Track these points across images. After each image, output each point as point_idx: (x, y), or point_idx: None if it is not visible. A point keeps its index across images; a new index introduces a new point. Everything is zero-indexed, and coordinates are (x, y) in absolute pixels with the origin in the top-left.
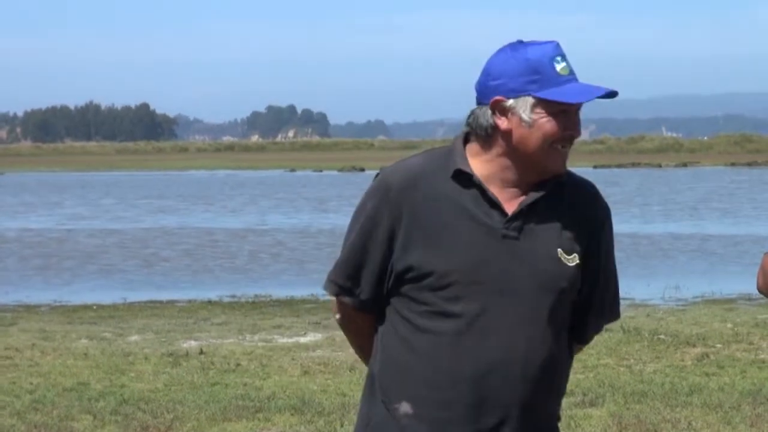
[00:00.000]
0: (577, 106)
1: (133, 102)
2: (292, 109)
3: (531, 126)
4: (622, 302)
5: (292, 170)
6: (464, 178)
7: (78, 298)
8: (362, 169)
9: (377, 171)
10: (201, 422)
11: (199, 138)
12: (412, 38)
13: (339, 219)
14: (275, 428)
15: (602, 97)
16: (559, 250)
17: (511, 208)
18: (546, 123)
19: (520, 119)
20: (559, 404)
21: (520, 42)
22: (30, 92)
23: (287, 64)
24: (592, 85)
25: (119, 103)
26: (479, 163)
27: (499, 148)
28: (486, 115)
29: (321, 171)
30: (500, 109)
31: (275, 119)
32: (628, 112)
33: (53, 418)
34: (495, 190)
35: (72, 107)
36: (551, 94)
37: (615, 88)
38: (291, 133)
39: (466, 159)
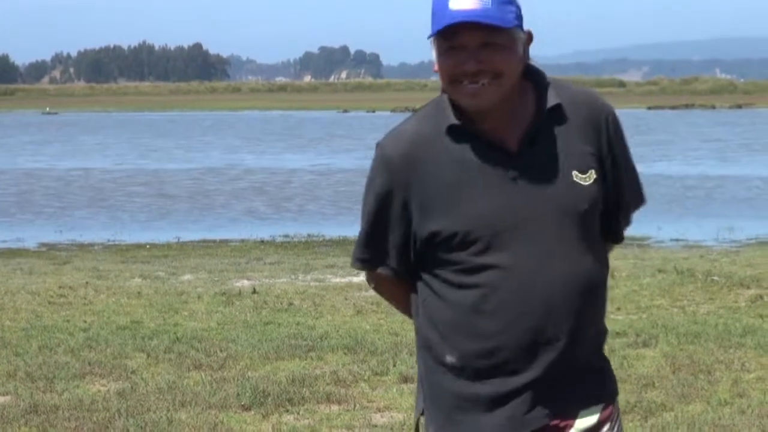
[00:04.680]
0: (463, 39)
1: (186, 42)
2: (344, 49)
3: (437, 67)
4: (676, 243)
5: (345, 111)
6: (458, 132)
7: (131, 238)
8: (415, 110)
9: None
10: (254, 360)
11: (252, 78)
12: None
13: None
14: (327, 367)
15: (471, 23)
16: (574, 172)
17: (513, 145)
18: (441, 62)
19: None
20: (603, 315)
21: None
22: (83, 32)
23: (340, 4)
24: (470, 10)
25: (172, 44)
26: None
27: None
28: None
29: (374, 111)
30: None
31: (328, 60)
32: (682, 54)
33: (107, 356)
34: (493, 131)
35: (125, 47)
36: (431, 30)
37: (482, 18)
38: (343, 74)
39: (454, 111)
